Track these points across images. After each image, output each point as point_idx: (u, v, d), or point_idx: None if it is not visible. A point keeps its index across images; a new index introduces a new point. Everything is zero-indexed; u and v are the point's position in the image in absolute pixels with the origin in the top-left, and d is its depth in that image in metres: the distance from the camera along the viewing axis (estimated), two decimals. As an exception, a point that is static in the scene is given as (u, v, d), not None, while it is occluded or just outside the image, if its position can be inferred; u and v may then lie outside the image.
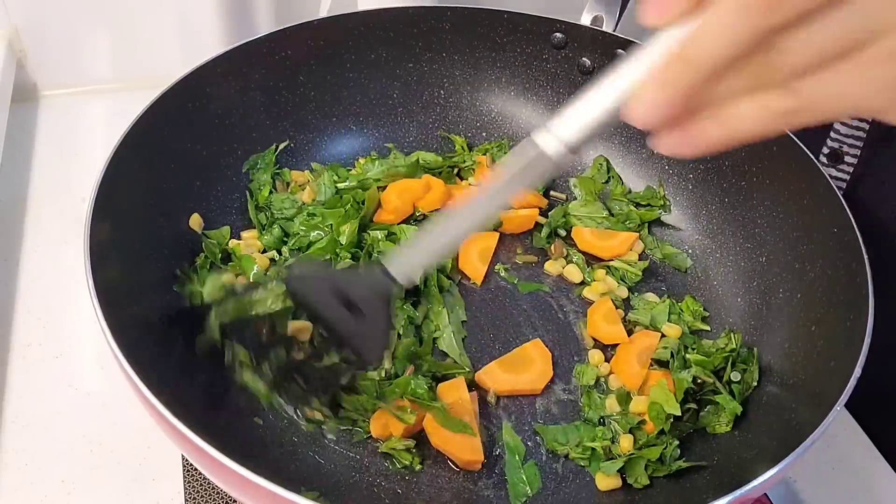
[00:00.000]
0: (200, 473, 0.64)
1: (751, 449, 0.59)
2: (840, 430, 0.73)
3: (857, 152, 0.74)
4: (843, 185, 0.76)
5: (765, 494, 0.66)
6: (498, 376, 0.67)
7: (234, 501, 0.63)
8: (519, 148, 0.45)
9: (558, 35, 0.82)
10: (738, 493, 0.47)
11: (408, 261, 0.52)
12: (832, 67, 0.34)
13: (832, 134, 0.75)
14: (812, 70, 0.34)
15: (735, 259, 0.75)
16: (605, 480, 0.61)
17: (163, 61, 1.00)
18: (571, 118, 0.41)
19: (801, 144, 0.70)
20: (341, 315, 0.54)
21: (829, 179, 0.67)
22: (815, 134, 0.75)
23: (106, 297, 0.53)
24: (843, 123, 0.74)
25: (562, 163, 0.42)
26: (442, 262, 0.73)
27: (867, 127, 0.73)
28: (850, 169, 0.75)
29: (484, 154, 0.84)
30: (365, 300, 0.54)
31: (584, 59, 0.82)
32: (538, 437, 0.64)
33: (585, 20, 0.81)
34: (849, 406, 0.62)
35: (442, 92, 0.86)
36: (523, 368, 0.68)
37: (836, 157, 0.76)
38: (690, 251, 0.78)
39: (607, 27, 0.81)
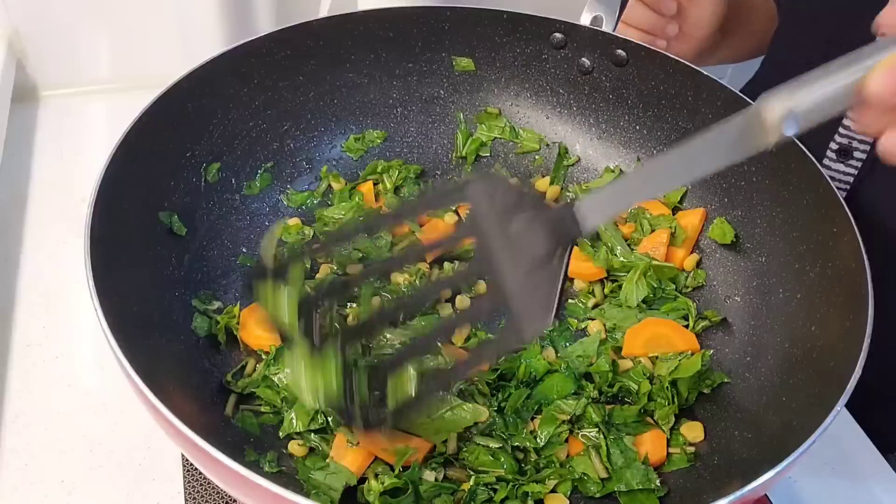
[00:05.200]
0: (200, 473, 0.63)
1: (751, 449, 0.59)
2: (840, 430, 0.73)
3: (868, 148, 0.73)
4: (851, 179, 0.75)
5: (765, 495, 0.66)
6: None
7: (234, 501, 0.63)
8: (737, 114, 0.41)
9: (558, 35, 0.82)
10: (738, 493, 0.47)
11: (597, 207, 0.46)
12: None
13: (841, 130, 0.74)
14: None
15: (735, 259, 0.75)
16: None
17: (163, 61, 1.00)
18: (801, 87, 0.38)
19: (800, 144, 0.69)
20: (510, 254, 0.47)
21: (829, 180, 0.67)
22: (823, 130, 0.75)
23: (106, 297, 0.53)
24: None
25: (779, 137, 0.39)
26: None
27: None
28: (859, 164, 0.74)
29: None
30: (544, 238, 0.46)
31: (583, 59, 0.82)
32: None
33: (585, 20, 0.81)
34: (849, 406, 0.61)
35: (442, 92, 0.86)
36: None
37: (845, 154, 0.74)
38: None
39: (607, 27, 0.81)
